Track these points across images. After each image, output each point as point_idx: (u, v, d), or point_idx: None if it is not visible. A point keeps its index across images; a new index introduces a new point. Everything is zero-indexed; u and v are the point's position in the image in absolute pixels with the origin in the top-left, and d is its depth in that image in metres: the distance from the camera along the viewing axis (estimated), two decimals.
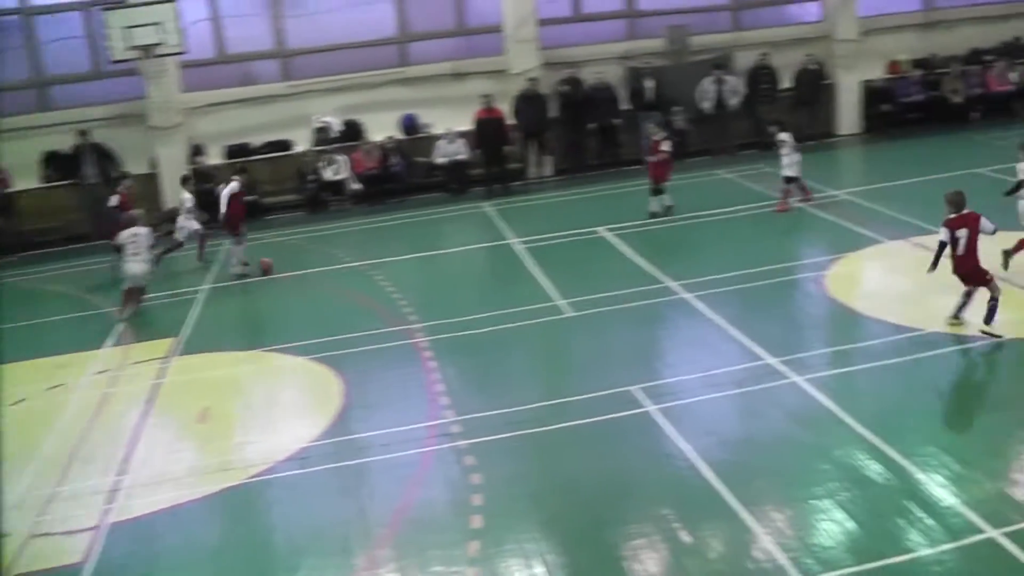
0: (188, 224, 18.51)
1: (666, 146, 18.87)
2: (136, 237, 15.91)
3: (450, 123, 22.47)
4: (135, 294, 15.94)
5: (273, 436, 11.04)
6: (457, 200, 22.06)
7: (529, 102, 22.44)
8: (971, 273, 11.88)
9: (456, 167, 22.47)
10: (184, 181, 19.22)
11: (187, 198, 18.59)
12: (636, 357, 12.42)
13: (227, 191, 17.38)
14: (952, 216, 11.82)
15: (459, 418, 10.87)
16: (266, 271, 17.37)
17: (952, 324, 12.05)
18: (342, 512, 9.34)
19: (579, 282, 15.13)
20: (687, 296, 14.09)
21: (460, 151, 22.39)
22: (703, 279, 14.63)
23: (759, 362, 11.64)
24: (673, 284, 14.57)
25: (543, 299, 14.53)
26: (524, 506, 9.09)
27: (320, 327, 14.27)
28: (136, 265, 15.93)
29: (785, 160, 18.58)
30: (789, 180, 18.58)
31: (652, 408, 10.65)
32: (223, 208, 17.39)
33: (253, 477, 10.11)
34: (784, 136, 18.95)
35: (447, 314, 14.27)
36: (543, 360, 13.06)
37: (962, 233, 11.67)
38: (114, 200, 18.13)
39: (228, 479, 10.13)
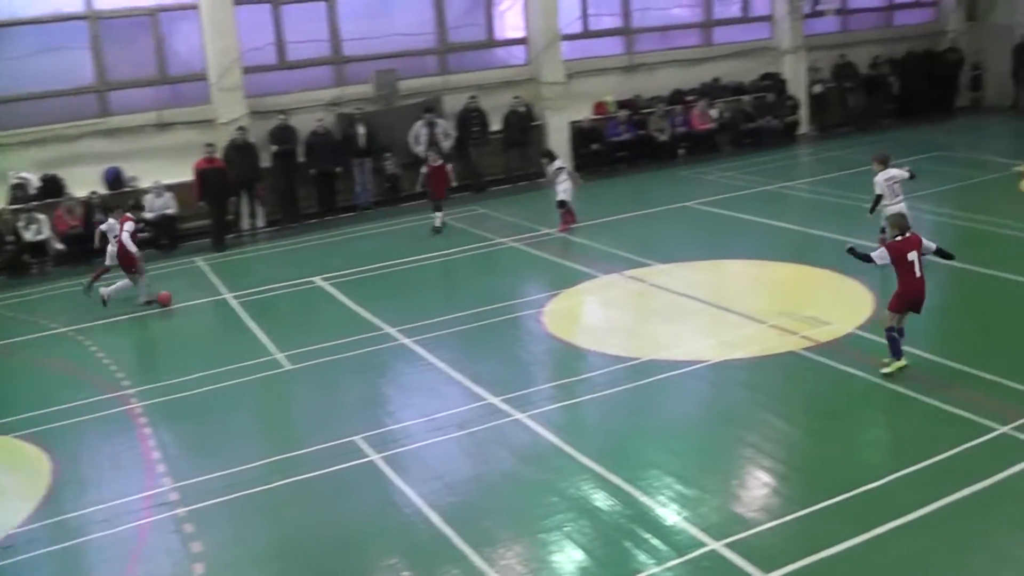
0: None
1: (434, 160, 20.02)
2: None
3: (157, 175, 21.56)
4: None
5: None
6: (168, 256, 21.16)
7: (239, 151, 21.82)
8: (920, 297, 11.73)
9: (165, 222, 21.59)
10: None
11: None
12: (358, 407, 12.19)
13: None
14: (898, 239, 11.68)
15: (177, 484, 10.29)
16: None
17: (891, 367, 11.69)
18: None
19: (297, 334, 14.77)
20: (407, 341, 14.01)
21: (169, 205, 21.54)
22: (422, 323, 14.60)
23: (481, 402, 11.68)
24: (392, 330, 14.46)
25: (261, 354, 14.08)
26: (247, 570, 8.70)
27: (24, 401, 13.16)
28: None
29: (560, 187, 19.50)
30: (562, 204, 19.57)
31: (376, 457, 10.46)
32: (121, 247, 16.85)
33: None
34: (558, 164, 20.12)
35: (162, 377, 13.57)
36: (263, 417, 12.60)
37: (913, 256, 11.55)
38: None
39: None
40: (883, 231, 15.81)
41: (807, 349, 12.68)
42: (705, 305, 14.76)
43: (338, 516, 9.45)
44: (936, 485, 9.14)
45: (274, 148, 22.54)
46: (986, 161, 24.35)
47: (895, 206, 15.27)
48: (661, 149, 26.51)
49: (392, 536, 9.03)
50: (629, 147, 26.15)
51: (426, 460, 10.44)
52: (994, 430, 10.12)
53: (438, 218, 20.24)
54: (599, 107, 27.02)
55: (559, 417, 11.32)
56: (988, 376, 11.46)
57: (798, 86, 29.92)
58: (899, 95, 31.75)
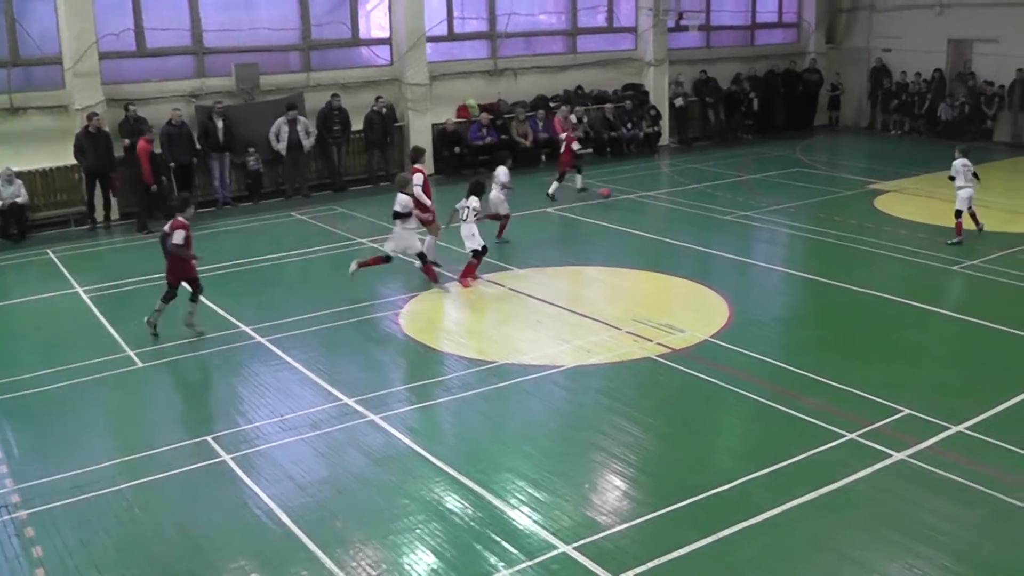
0: None
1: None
2: None
3: (7, 162, 20.71)
4: None
5: None
6: (18, 247, 20.38)
7: (92, 140, 21.13)
8: None
9: (15, 210, 20.75)
10: None
11: None
12: (211, 406, 12.03)
13: None
14: None
15: (19, 486, 9.91)
16: None
17: None
18: None
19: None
20: (263, 340, 13.84)
21: (18, 193, 20.75)
22: (279, 322, 14.45)
23: (336, 403, 11.63)
24: (248, 329, 14.25)
25: (113, 351, 13.69)
26: None
27: None
28: None
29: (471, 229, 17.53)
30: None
31: (228, 458, 10.31)
32: None
33: None
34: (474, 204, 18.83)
35: (6, 374, 13.03)
36: (113, 416, 12.24)
37: None
38: None
39: None
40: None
41: (662, 356, 12.98)
42: (562, 310, 14.97)
43: (187, 518, 9.27)
44: (785, 488, 9.48)
45: (126, 141, 21.87)
46: (843, 179, 25.28)
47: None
48: (524, 154, 26.70)
49: (241, 538, 8.91)
50: (491, 151, 26.24)
51: (278, 461, 10.33)
52: (842, 437, 10.54)
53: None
54: (462, 110, 27.09)
55: (413, 419, 11.35)
56: (839, 385, 11.94)
57: (660, 98, 30.58)
58: (759, 112, 32.75)
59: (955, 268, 17.07)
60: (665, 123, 30.59)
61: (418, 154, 17.64)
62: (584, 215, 20.36)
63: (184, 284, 14.14)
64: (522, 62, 28.55)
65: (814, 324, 15.01)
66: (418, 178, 16.73)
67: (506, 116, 27.35)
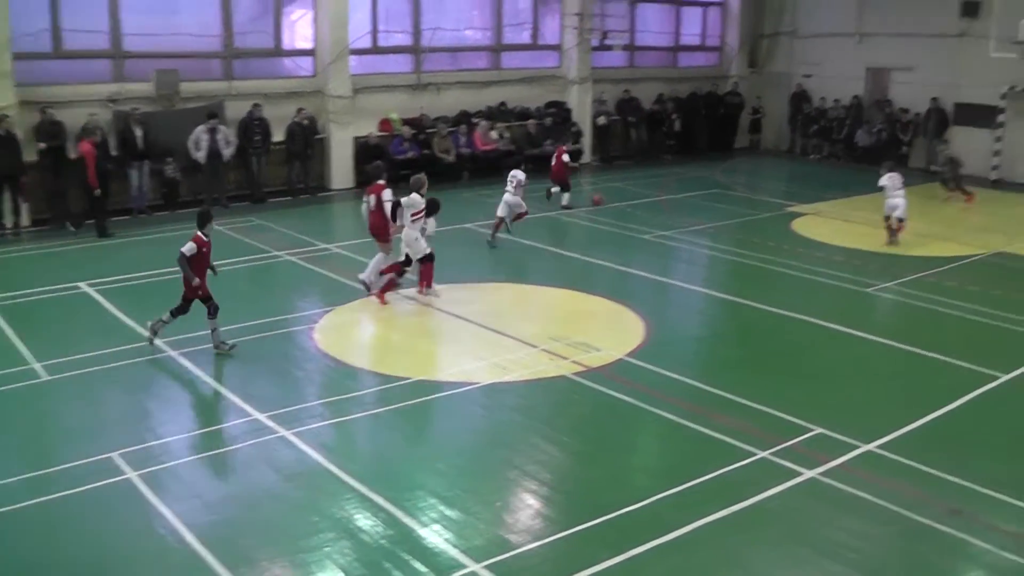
0: None
1: None
2: None
3: None
4: None
5: None
6: None
7: (1, 143, 20.57)
8: None
9: None
10: None
11: None
12: (118, 422, 11.62)
13: None
14: None
15: None
16: None
17: None
18: None
19: (58, 343, 13.99)
20: (174, 354, 13.54)
21: None
22: (192, 335, 14.10)
23: (247, 419, 11.41)
24: (159, 342, 13.91)
25: (17, 363, 13.26)
26: None
27: None
28: None
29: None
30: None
31: (133, 475, 10.02)
32: None
33: None
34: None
35: None
36: (14, 431, 11.68)
37: None
38: None
39: None
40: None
41: (577, 374, 12.98)
42: (479, 327, 14.90)
43: (89, 538, 9.01)
44: (697, 507, 9.53)
45: (41, 145, 21.35)
46: (761, 201, 25.62)
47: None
48: (446, 170, 26.62)
49: (145, 558, 8.68)
50: (413, 165, 26.02)
51: (185, 478, 10.12)
52: (754, 455, 10.63)
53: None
54: (384, 124, 26.93)
55: (326, 436, 11.18)
56: (752, 404, 12.06)
57: (583, 116, 30.74)
58: (681, 133, 33.09)
59: (869, 290, 17.36)
60: (587, 141, 30.73)
61: (380, 171, 17.38)
62: (503, 231, 20.33)
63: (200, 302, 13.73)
64: (446, 77, 28.51)
65: (729, 344, 15.14)
66: (387, 194, 16.53)
67: (429, 131, 27.26)
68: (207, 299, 13.73)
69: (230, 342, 13.78)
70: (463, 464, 10.70)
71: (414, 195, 15.83)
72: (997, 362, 13.80)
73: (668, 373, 13.07)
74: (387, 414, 11.80)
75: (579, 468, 10.68)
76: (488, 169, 27.25)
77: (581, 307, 16.36)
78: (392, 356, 14.04)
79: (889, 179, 20.69)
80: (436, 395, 12.29)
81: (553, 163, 23.83)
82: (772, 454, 10.69)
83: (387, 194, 16.45)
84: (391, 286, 16.20)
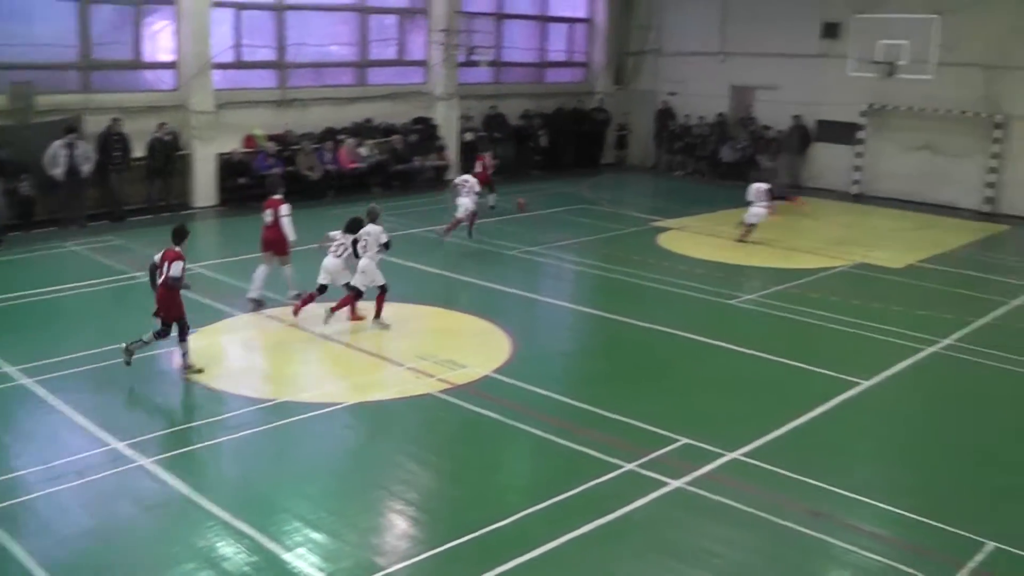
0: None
1: None
2: None
3: None
4: None
5: None
6: None
7: None
8: None
9: None
10: None
11: None
12: None
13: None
14: None
15: None
16: None
17: None
18: None
19: None
20: (27, 382, 12.97)
21: None
22: (45, 362, 13.56)
23: (105, 448, 11.01)
24: (11, 369, 13.33)
25: None
26: None
27: None
28: None
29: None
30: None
31: None
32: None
33: None
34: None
35: None
36: None
37: None
38: None
39: None
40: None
41: (443, 392, 12.94)
42: (344, 347, 14.77)
43: None
44: (564, 521, 9.59)
45: None
46: (627, 216, 25.94)
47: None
48: (311, 187, 26.28)
49: None
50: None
51: (39, 513, 9.71)
52: (621, 467, 10.76)
53: None
54: (248, 140, 26.47)
55: (187, 462, 10.91)
56: (618, 417, 12.20)
57: (450, 132, 30.74)
58: (548, 149, 33.32)
59: (733, 302, 17.72)
60: (455, 157, 30.72)
61: (276, 186, 17.13)
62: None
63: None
64: (311, 93, 28.16)
65: (596, 358, 15.28)
66: (285, 208, 16.37)
67: (294, 147, 26.90)
68: (181, 318, 13.31)
69: (199, 366, 13.45)
70: (329, 486, 10.57)
71: (371, 226, 15.50)
72: (858, 369, 14.29)
73: (534, 388, 13.12)
74: (251, 437, 11.56)
75: (446, 486, 10.65)
76: (354, 186, 27.06)
77: (448, 324, 16.32)
78: (256, 378, 13.78)
79: (757, 190, 22.23)
80: (301, 416, 12.07)
81: (478, 171, 24.45)
82: (639, 466, 10.82)
83: (284, 209, 16.31)
84: (350, 308, 15.81)
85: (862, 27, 27.51)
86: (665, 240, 22.88)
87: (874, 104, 30.26)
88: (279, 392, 12.86)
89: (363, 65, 29.55)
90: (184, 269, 13.22)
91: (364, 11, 29.18)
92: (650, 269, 19.91)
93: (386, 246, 15.67)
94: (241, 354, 14.96)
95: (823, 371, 14.30)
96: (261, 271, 16.43)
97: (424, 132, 29.99)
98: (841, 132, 31.26)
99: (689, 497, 10.24)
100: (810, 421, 12.48)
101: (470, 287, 18.69)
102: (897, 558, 9.26)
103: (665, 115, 35.13)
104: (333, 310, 15.45)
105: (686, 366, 14.75)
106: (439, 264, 20.21)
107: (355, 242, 15.63)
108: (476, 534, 9.31)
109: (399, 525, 9.70)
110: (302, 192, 25.70)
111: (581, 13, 36.07)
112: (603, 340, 16.11)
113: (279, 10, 27.16)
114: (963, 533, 9.75)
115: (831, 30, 30.90)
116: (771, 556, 9.30)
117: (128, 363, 13.32)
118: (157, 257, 13.39)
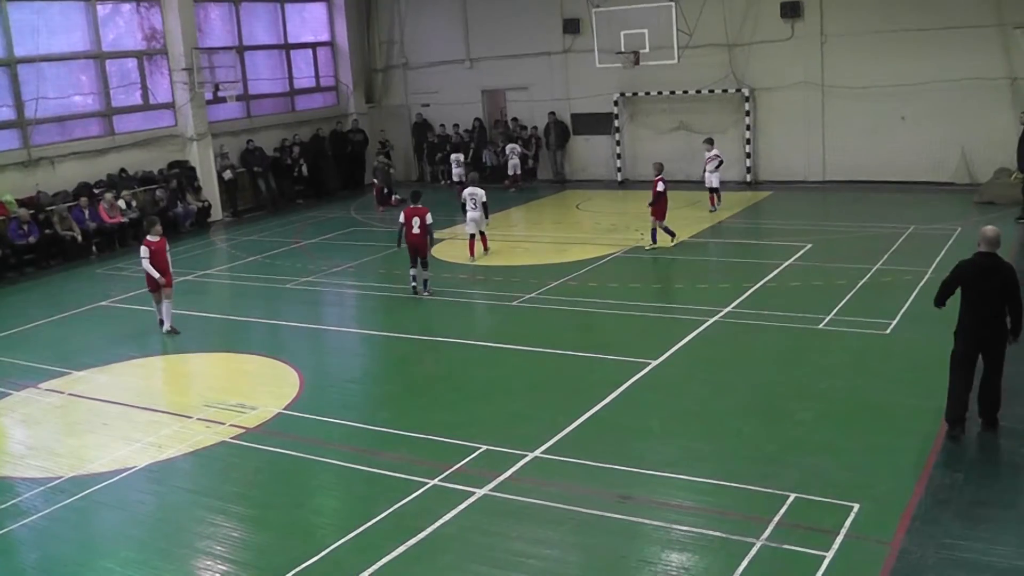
0: None
1: None
2: None
3: None
4: None
5: None
6: None
7: None
8: None
9: None
10: None
11: None
12: None
13: None
14: None
15: None
16: None
17: None
18: None
19: None
20: None
21: None
22: None
23: None
24: None
25: None
26: None
27: None
28: None
29: None
30: None
31: None
32: None
33: None
34: None
35: None
36: None
37: None
38: None
39: None
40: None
41: (236, 437, 12.68)
42: (129, 408, 14.16)
43: None
44: (375, 548, 9.53)
45: None
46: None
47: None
48: (73, 247, 25.18)
49: None
50: (37, 249, 24.50)
51: None
52: (425, 484, 10.79)
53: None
54: (0, 208, 25.07)
55: None
56: (416, 435, 12.26)
57: (208, 173, 30.04)
58: (309, 176, 32.99)
59: (515, 304, 18.00)
60: (216, 197, 30.04)
61: (151, 224, 17.49)
62: (144, 304, 19.27)
63: None
64: (58, 149, 26.84)
65: (386, 379, 15.28)
66: (144, 251, 16.94)
67: (48, 209, 25.61)
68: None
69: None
70: (131, 556, 10.12)
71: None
72: (646, 350, 14.77)
73: (329, 419, 13.02)
74: (43, 521, 10.88)
75: (251, 534, 10.41)
76: (118, 241, 26.12)
77: (232, 368, 15.97)
78: (37, 457, 12.87)
79: (470, 195, 22.34)
80: (92, 489, 11.52)
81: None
82: (442, 480, 10.87)
83: (144, 251, 17.24)
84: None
85: (602, 20, 28.36)
86: (440, 251, 22.90)
87: (625, 92, 31.30)
88: (64, 468, 12.19)
89: (109, 114, 28.39)
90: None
91: (100, 57, 28.07)
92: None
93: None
94: (18, 433, 14.06)
95: (612, 357, 14.70)
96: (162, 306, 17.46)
97: (182, 175, 29.16)
98: (597, 123, 32.26)
99: (497, 503, 10.34)
100: (605, 408, 12.80)
101: (251, 327, 18.34)
102: (705, 525, 9.62)
103: (422, 128, 35.38)
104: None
105: (478, 374, 14.89)
106: (216, 307, 19.70)
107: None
108: (291, 574, 9.15)
109: None
110: (63, 253, 24.68)
111: (323, 36, 35.86)
112: (392, 360, 16.10)
113: (10, 64, 25.80)
114: (764, 490, 10.21)
115: (572, 26, 31.84)
116: (584, 547, 9.50)
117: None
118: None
